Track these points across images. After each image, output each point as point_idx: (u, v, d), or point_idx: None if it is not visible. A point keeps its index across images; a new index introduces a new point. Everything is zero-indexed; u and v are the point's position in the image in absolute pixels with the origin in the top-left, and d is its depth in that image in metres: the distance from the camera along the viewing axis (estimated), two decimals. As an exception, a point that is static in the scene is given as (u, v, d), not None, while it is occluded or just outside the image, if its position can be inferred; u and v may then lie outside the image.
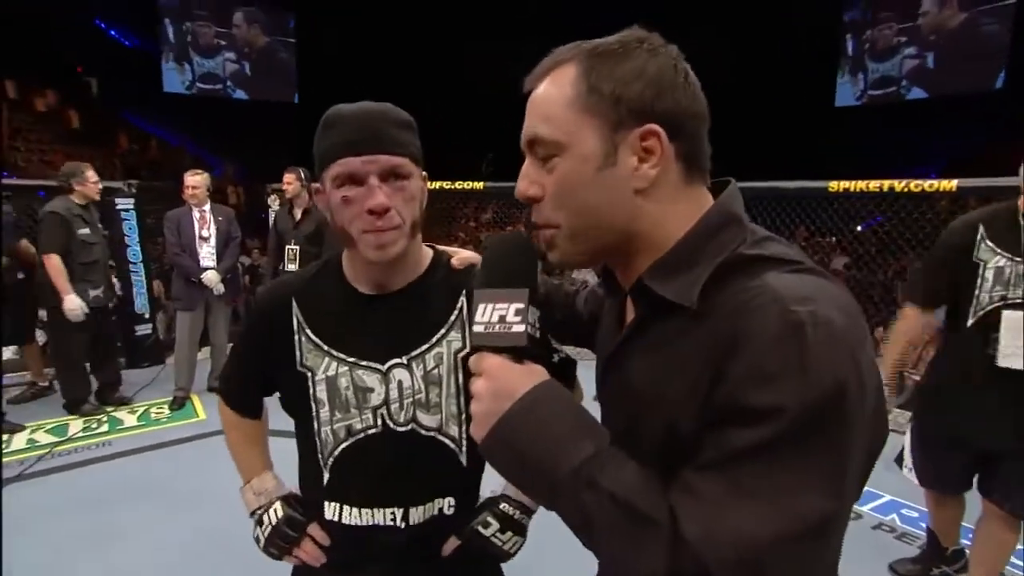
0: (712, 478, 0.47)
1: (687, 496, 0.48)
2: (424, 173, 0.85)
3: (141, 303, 4.83)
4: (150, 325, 4.95)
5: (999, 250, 1.70)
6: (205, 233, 3.95)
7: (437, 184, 5.30)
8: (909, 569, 2.21)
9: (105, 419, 3.75)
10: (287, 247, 3.97)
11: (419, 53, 13.72)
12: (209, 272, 3.88)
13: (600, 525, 0.50)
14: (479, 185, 5.44)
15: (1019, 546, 2.26)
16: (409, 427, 0.87)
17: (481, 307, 0.58)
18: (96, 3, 12.76)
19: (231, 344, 4.09)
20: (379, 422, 0.87)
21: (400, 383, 0.86)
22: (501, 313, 0.57)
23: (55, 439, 3.44)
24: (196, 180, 3.93)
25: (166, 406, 3.96)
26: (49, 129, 11.07)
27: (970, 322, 1.75)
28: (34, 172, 9.33)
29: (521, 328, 0.56)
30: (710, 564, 0.45)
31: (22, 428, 3.56)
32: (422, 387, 0.86)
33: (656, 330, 0.57)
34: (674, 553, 0.47)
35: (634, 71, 0.55)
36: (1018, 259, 1.66)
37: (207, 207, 3.98)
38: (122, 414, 3.83)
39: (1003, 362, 1.68)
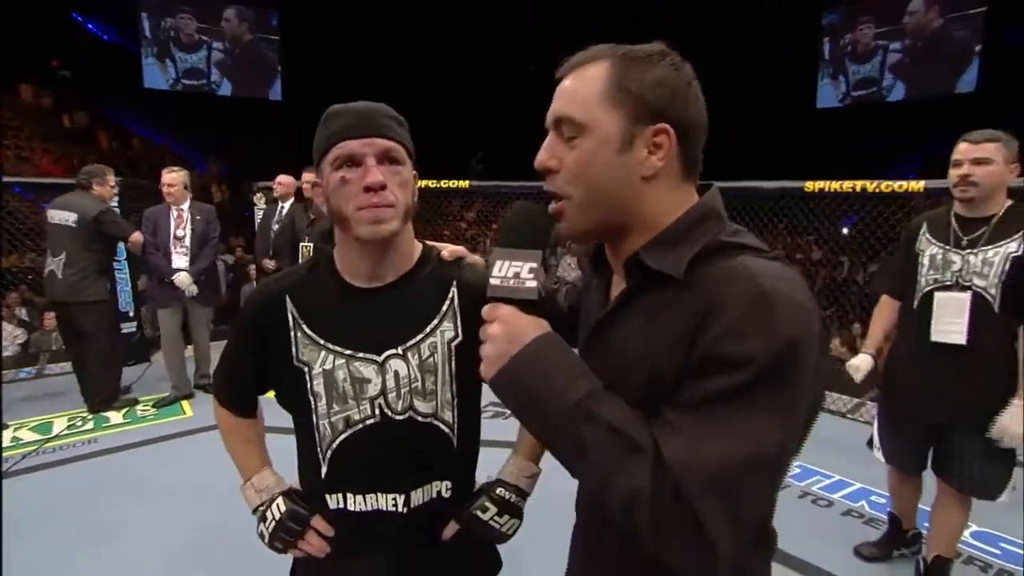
0: (691, 415, 0.57)
1: (668, 430, 0.58)
2: (414, 173, 0.89)
3: (125, 301, 4.82)
4: (135, 323, 4.93)
5: (934, 240, 1.96)
6: (180, 232, 3.87)
7: (423, 183, 5.35)
8: (872, 552, 2.32)
9: (90, 417, 3.74)
10: (301, 244, 4.01)
11: (406, 53, 13.69)
12: (181, 274, 3.81)
13: (595, 450, 0.58)
14: (464, 184, 5.49)
15: (1019, 541, 2.39)
16: (407, 415, 0.90)
17: (498, 263, 0.67)
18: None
19: (217, 343, 4.12)
20: (377, 412, 0.89)
21: (396, 373, 0.89)
22: (516, 270, 0.66)
23: (40, 436, 3.43)
24: (171, 178, 3.85)
25: (152, 403, 3.96)
26: (26, 125, 10.85)
27: (915, 304, 1.98)
28: (10, 169, 9.15)
29: (533, 284, 0.65)
30: (687, 485, 0.54)
31: (6, 426, 3.54)
32: (418, 376, 0.90)
33: (646, 298, 0.66)
34: (656, 475, 0.56)
35: (657, 79, 0.65)
36: (947, 247, 1.92)
37: (185, 205, 3.90)
38: (108, 411, 3.82)
39: (936, 337, 1.90)
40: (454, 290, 0.93)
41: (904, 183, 3.66)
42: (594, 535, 0.79)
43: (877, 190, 3.75)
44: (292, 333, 0.90)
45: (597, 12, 12.90)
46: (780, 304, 0.56)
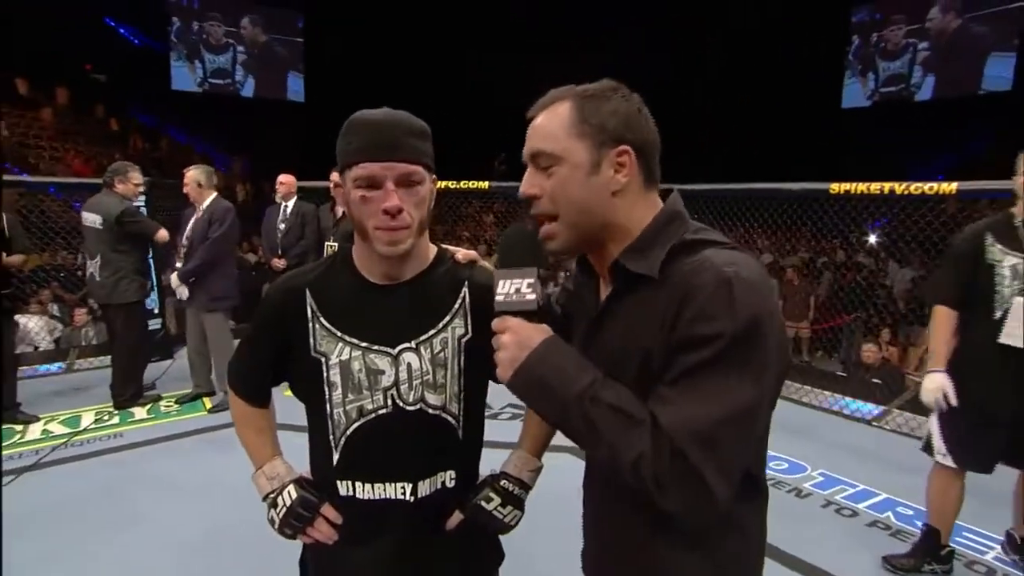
0: (676, 387, 0.69)
1: (660, 402, 0.69)
2: (434, 176, 0.94)
3: (152, 299, 4.92)
4: (160, 320, 5.04)
5: (1009, 251, 2.01)
6: (188, 232, 3.76)
7: (443, 184, 5.36)
8: (902, 563, 2.26)
9: (116, 412, 3.83)
10: (327, 244, 4.05)
11: (426, 52, 13.78)
12: (172, 276, 3.72)
13: (603, 428, 0.69)
14: (484, 184, 5.50)
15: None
16: (417, 407, 0.94)
17: (500, 282, 0.78)
18: (106, 2, 12.86)
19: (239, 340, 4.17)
20: (389, 402, 0.94)
21: (409, 365, 0.94)
22: (516, 286, 0.77)
23: (69, 430, 3.53)
24: (186, 176, 3.76)
25: (175, 399, 4.04)
26: (60, 127, 11.18)
27: (997, 315, 2.01)
28: (45, 170, 9.44)
29: (532, 296, 0.76)
30: (681, 443, 0.65)
31: (37, 419, 3.65)
32: (430, 369, 0.94)
33: (631, 296, 0.78)
34: (655, 438, 0.67)
35: (612, 110, 0.78)
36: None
37: (204, 204, 3.76)
38: (133, 407, 3.91)
39: (1003, 339, 1.98)
40: (465, 290, 0.98)
41: (935, 184, 3.55)
42: (604, 505, 0.89)
43: (907, 192, 3.64)
44: (311, 325, 0.95)
45: (618, 13, 12.81)
46: (740, 287, 0.67)
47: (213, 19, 13.00)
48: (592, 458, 0.91)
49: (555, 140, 0.77)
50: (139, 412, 3.85)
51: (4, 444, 3.32)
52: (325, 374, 0.94)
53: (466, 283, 0.98)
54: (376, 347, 0.93)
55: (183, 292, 3.71)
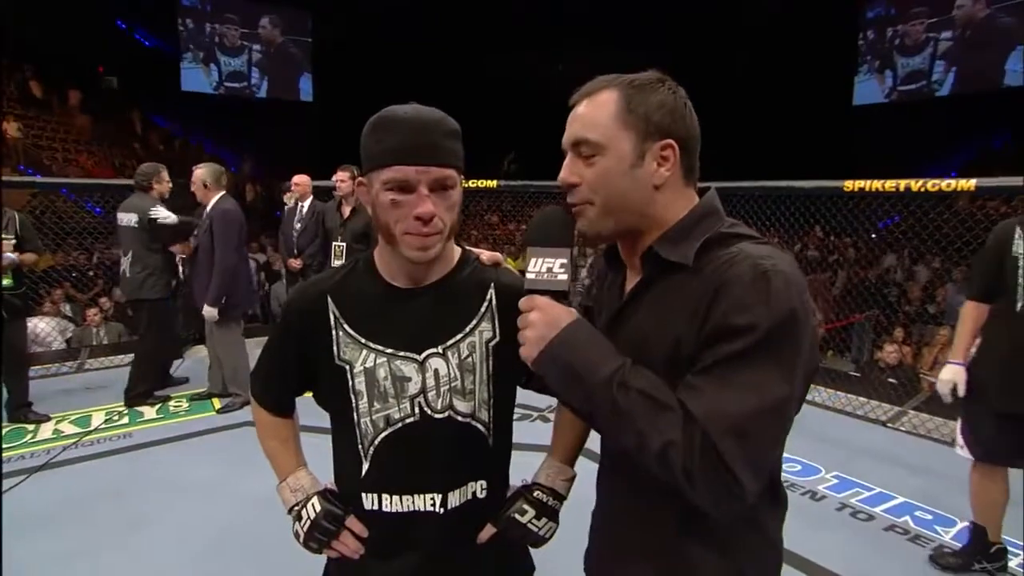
0: (708, 377, 0.67)
1: (691, 391, 0.67)
2: (461, 178, 0.90)
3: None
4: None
5: None
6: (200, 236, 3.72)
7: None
8: (950, 562, 2.22)
9: (126, 411, 3.85)
10: (334, 243, 4.02)
11: (432, 53, 13.77)
12: (205, 308, 3.66)
13: (631, 413, 0.68)
14: (492, 183, 5.47)
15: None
16: (446, 414, 0.92)
17: (533, 260, 0.77)
18: (118, 4, 12.98)
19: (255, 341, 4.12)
20: (417, 410, 0.91)
21: (436, 372, 0.91)
22: (549, 265, 0.76)
23: (79, 430, 3.54)
24: (194, 175, 3.70)
25: (185, 399, 4.05)
26: (73, 128, 11.30)
27: (1019, 307, 2.01)
28: (59, 171, 9.54)
29: (564, 277, 0.75)
30: (711, 433, 0.64)
31: (48, 418, 3.67)
32: (458, 375, 0.92)
33: (661, 284, 0.77)
34: (686, 428, 0.65)
35: (660, 102, 0.77)
36: None
37: (209, 205, 3.70)
38: (142, 406, 3.93)
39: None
40: (492, 292, 0.95)
41: (952, 182, 3.47)
42: (621, 500, 0.88)
43: (923, 189, 3.56)
44: (334, 332, 0.92)
45: (628, 8, 12.72)
46: (777, 280, 0.67)
47: (229, 21, 13.06)
48: (609, 452, 0.90)
49: (599, 129, 0.76)
50: (148, 412, 3.86)
51: (16, 444, 3.35)
52: (350, 383, 0.91)
53: (492, 285, 0.95)
54: (402, 353, 0.90)
55: (214, 315, 3.64)
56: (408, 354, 0.91)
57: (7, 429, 3.50)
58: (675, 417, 0.66)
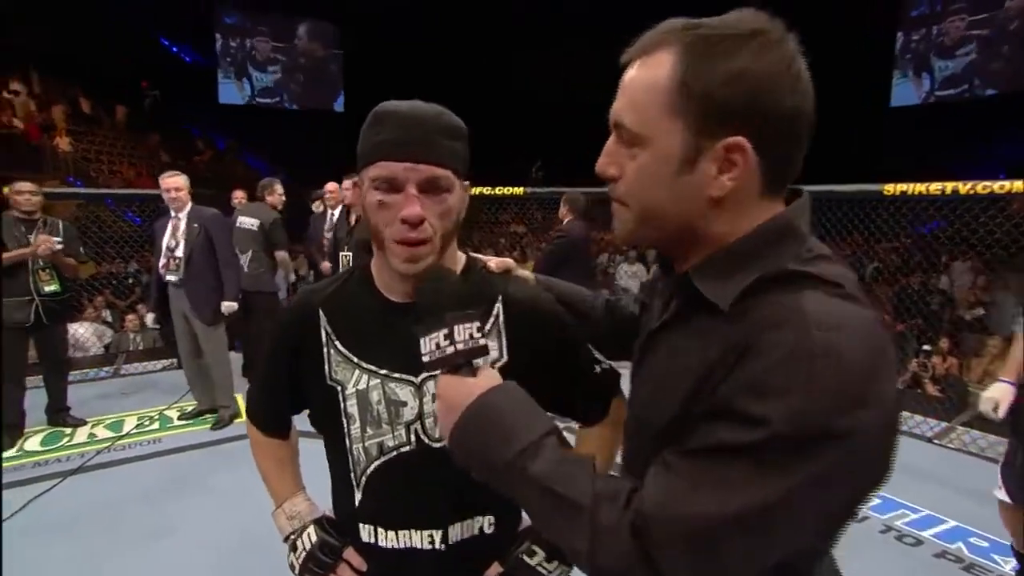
0: (688, 459, 0.51)
1: (662, 470, 0.53)
2: (467, 182, 0.82)
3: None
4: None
5: None
6: (171, 240, 3.54)
7: (476, 190, 5.33)
8: None
9: (156, 417, 3.92)
10: (341, 254, 4.02)
11: (464, 61, 13.90)
12: (224, 303, 3.63)
13: (533, 511, 0.56)
14: (519, 191, 5.43)
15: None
16: (444, 443, 0.84)
17: (421, 342, 0.66)
18: (160, 23, 13.53)
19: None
20: (413, 438, 0.83)
21: (435, 396, 0.83)
22: (436, 341, 0.65)
23: (113, 434, 3.62)
24: (176, 181, 3.51)
25: (179, 413, 3.95)
26: (117, 142, 11.79)
27: None
28: (103, 182, 9.94)
29: (451, 349, 0.64)
30: (656, 529, 0.49)
31: (84, 422, 3.76)
32: None
33: (690, 321, 0.60)
34: (595, 534, 0.51)
35: (734, 71, 0.53)
36: None
37: (185, 211, 3.56)
38: (171, 412, 3.99)
39: None
40: (499, 306, 0.85)
41: (1006, 183, 3.27)
42: None
43: (972, 192, 3.37)
44: (325, 350, 0.84)
45: (662, 13, 12.55)
46: (824, 367, 0.46)
47: (260, 35, 13.45)
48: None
49: (640, 111, 0.57)
50: (177, 418, 3.92)
51: (53, 447, 3.45)
52: (341, 405, 0.84)
53: (500, 298, 0.85)
54: (397, 375, 0.82)
55: (234, 308, 3.68)
56: (404, 376, 0.82)
57: (47, 432, 3.61)
58: (582, 520, 0.53)
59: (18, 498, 2.71)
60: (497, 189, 5.39)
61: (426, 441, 0.83)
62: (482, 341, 0.65)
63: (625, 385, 0.93)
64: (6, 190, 3.52)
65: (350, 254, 3.96)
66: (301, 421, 1.04)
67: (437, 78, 13.19)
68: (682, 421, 0.55)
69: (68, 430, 3.66)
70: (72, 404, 3.81)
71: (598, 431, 0.94)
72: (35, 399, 3.60)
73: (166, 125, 12.98)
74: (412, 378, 0.82)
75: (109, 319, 6.42)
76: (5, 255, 3.25)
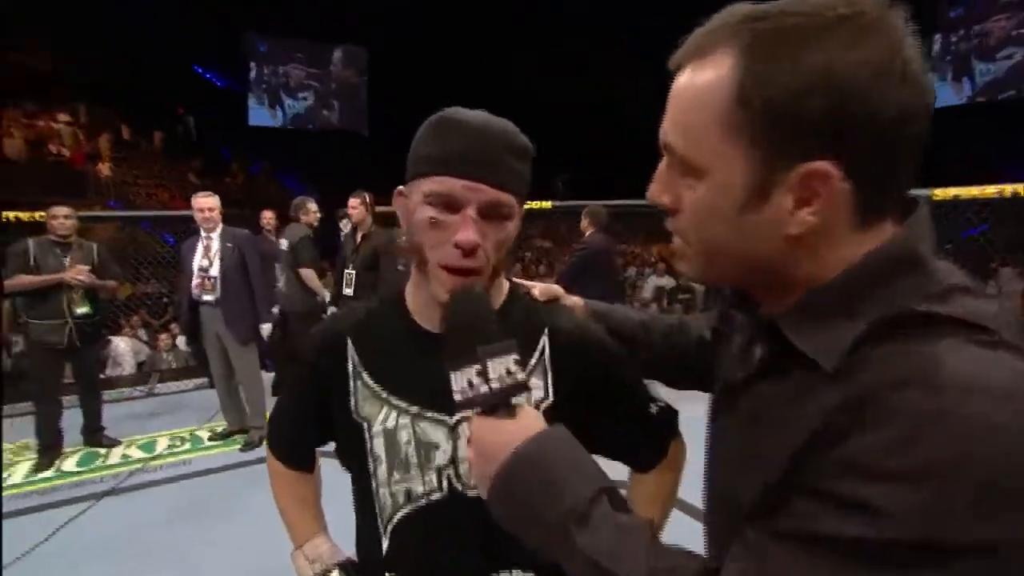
0: (781, 548, 0.41)
1: (746, 554, 0.43)
2: (522, 209, 0.74)
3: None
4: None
5: None
6: (203, 260, 3.56)
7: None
8: None
9: (188, 437, 3.93)
10: (346, 271, 4.00)
11: (490, 77, 14.03)
12: (264, 326, 3.74)
13: (592, 552, 0.47)
14: (547, 204, 5.38)
15: None
16: (479, 492, 0.75)
17: (452, 378, 0.57)
18: (195, 51, 14.09)
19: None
20: (445, 485, 0.74)
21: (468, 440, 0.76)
22: (467, 378, 0.56)
23: (145, 455, 3.64)
24: (208, 201, 3.55)
25: (210, 434, 3.97)
26: (155, 166, 12.26)
27: None
28: (141, 205, 10.30)
29: (484, 388, 0.56)
30: None
31: (118, 443, 3.79)
32: None
33: (782, 377, 0.48)
34: None
35: (815, 70, 0.40)
36: None
37: (218, 231, 3.60)
38: (202, 432, 4.00)
39: None
40: (545, 340, 0.76)
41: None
42: None
43: (1032, 195, 3.17)
44: (352, 382, 0.77)
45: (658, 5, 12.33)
46: (968, 444, 0.34)
47: (296, 61, 13.79)
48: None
49: (692, 134, 0.46)
50: (207, 439, 3.92)
51: (87, 468, 3.47)
52: (368, 444, 0.76)
53: (546, 330, 0.76)
54: (429, 414, 0.74)
55: (269, 329, 3.82)
56: (437, 415, 0.74)
57: (83, 452, 3.65)
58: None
59: (54, 520, 2.72)
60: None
61: (459, 488, 0.74)
62: (520, 376, 0.56)
63: (690, 432, 0.83)
64: (40, 215, 3.62)
65: (353, 272, 3.92)
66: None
67: (462, 91, 13.39)
68: (774, 496, 0.44)
69: (103, 450, 3.69)
70: (107, 423, 3.85)
71: (653, 477, 0.84)
72: (72, 419, 3.65)
73: (200, 149, 13.46)
74: (446, 418, 0.73)
75: (144, 338, 6.56)
76: (32, 279, 3.32)
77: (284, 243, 4.31)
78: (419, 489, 0.74)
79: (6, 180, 8.55)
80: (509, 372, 0.56)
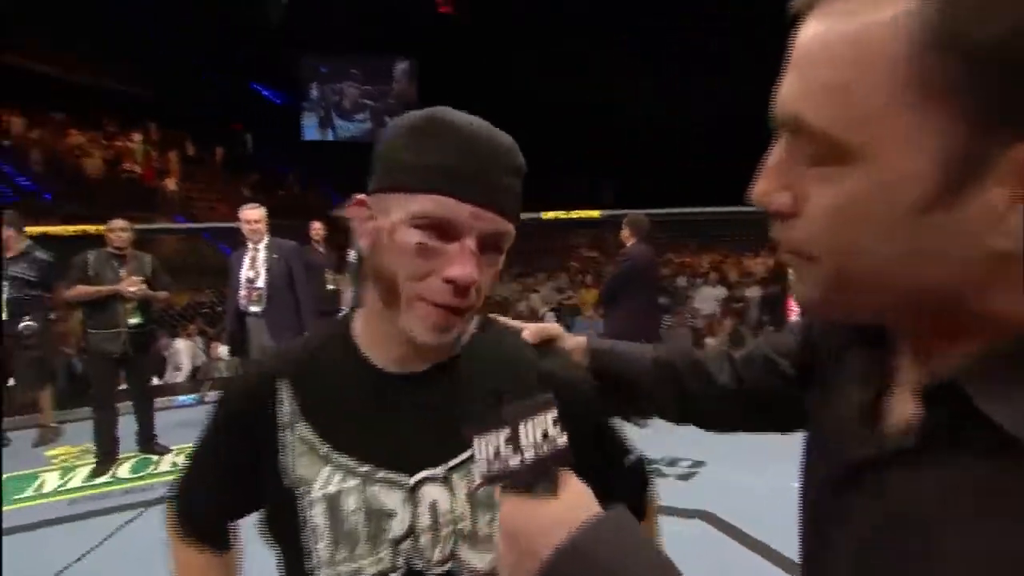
0: None
1: None
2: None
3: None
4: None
5: None
6: (250, 272, 3.63)
7: (552, 214, 5.17)
8: None
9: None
10: (341, 290, 4.00)
11: (528, 80, 14.03)
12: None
13: None
14: (595, 214, 5.22)
15: None
16: (446, 568, 0.60)
17: (475, 444, 0.46)
18: (253, 70, 14.80)
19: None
20: (401, 562, 0.60)
21: (434, 505, 0.60)
22: (494, 447, 0.45)
23: (193, 464, 3.69)
24: (255, 214, 3.61)
25: None
26: (216, 181, 12.94)
27: None
28: (202, 217, 10.82)
29: (516, 460, 0.44)
30: None
31: (169, 450, 3.86)
32: (466, 512, 0.60)
33: (965, 465, 0.33)
34: None
35: None
36: None
37: (264, 242, 3.67)
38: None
39: None
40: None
41: None
42: None
43: None
44: (282, 435, 0.62)
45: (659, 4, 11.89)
46: None
47: (352, 79, 14.16)
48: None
49: (845, 100, 0.31)
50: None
51: (138, 475, 3.54)
52: (303, 514, 0.60)
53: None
54: (383, 473, 0.60)
55: None
56: (392, 475, 0.60)
57: (137, 458, 3.73)
58: None
59: (105, 527, 2.76)
60: (572, 213, 5.20)
61: (420, 566, 0.60)
62: (562, 441, 0.45)
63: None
64: (100, 228, 3.76)
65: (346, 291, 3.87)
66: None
67: (503, 98, 13.45)
68: None
69: (155, 457, 3.76)
70: (158, 431, 3.93)
71: None
72: (128, 426, 3.74)
73: (256, 163, 14.10)
74: (404, 478, 0.60)
75: (201, 346, 6.79)
76: (88, 289, 3.44)
77: (352, 254, 4.33)
78: (371, 570, 0.59)
79: (87, 197, 9.16)
80: (546, 436, 0.45)
